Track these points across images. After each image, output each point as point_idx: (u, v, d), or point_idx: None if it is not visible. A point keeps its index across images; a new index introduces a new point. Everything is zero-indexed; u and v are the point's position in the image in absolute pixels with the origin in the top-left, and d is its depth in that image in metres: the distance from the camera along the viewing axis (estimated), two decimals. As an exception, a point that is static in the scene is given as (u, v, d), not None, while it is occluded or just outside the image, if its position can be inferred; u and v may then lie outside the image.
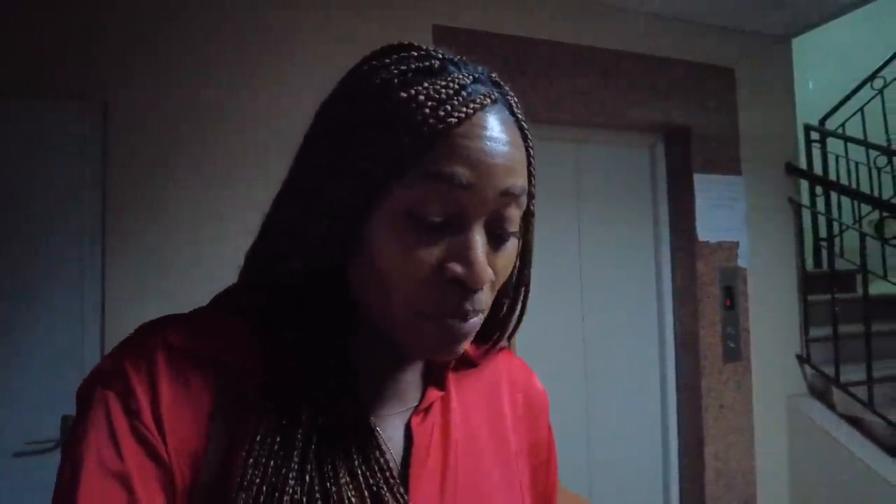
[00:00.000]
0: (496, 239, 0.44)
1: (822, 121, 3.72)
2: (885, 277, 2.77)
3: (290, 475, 0.40)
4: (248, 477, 0.40)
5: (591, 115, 2.32)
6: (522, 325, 0.55)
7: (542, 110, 2.24)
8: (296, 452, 0.41)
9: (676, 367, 2.53)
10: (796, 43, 2.73)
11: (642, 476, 2.49)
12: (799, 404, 2.49)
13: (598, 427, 2.40)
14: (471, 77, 0.44)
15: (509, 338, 0.57)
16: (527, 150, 0.47)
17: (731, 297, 2.51)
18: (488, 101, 0.43)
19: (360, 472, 0.43)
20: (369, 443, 0.45)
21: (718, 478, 2.39)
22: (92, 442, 0.39)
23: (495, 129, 0.43)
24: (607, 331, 2.46)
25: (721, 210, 2.54)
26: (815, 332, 2.60)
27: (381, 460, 0.45)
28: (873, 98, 3.50)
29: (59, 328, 1.65)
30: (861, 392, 2.34)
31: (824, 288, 2.68)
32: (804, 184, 2.87)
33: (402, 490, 0.45)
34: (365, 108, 0.43)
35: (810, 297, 2.64)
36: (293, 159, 0.48)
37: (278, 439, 0.41)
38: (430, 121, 0.40)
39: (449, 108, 0.41)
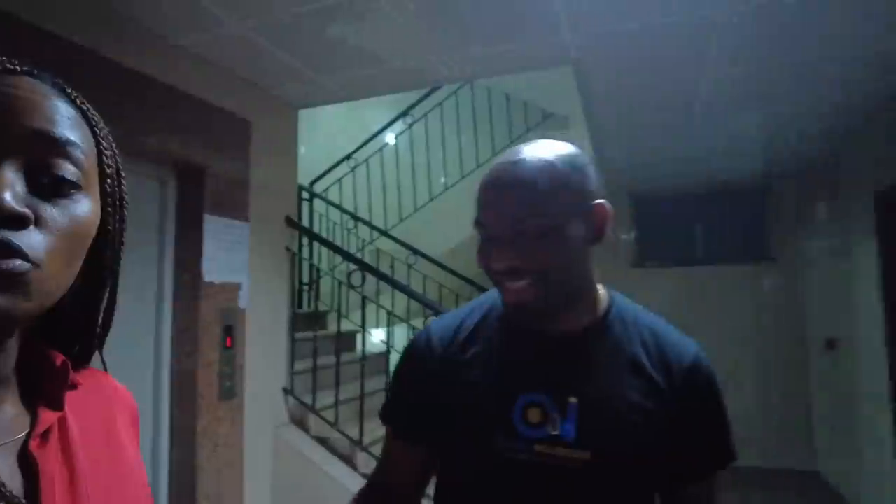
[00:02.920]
0: (46, 188, 0.44)
1: (312, 184, 4.38)
2: (346, 317, 3.42)
3: None
4: None
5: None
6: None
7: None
8: None
9: (171, 410, 2.45)
10: (302, 113, 3.16)
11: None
12: (283, 433, 2.77)
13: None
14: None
15: (98, 347, 0.58)
16: (88, 123, 0.51)
17: (231, 336, 2.62)
18: (11, 66, 0.46)
19: None
20: None
21: (207, 516, 2.40)
22: None
23: (23, 81, 0.46)
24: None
25: (227, 253, 2.65)
26: (297, 365, 2.97)
27: (8, 495, 0.42)
28: (349, 173, 4.35)
29: None
30: (330, 415, 2.79)
31: (303, 326, 3.15)
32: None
33: None
34: None
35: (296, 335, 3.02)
36: None
37: None
38: None
39: None
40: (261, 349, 2.76)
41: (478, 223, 0.84)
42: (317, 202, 4.26)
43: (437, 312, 2.82)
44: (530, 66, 2.87)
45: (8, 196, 0.40)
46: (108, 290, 0.56)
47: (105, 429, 0.56)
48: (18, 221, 0.40)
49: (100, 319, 0.56)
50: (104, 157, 0.52)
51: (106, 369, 0.62)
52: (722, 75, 2.84)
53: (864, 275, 3.57)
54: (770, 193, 5.19)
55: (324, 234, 4.05)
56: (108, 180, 0.52)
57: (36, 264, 0.41)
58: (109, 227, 0.52)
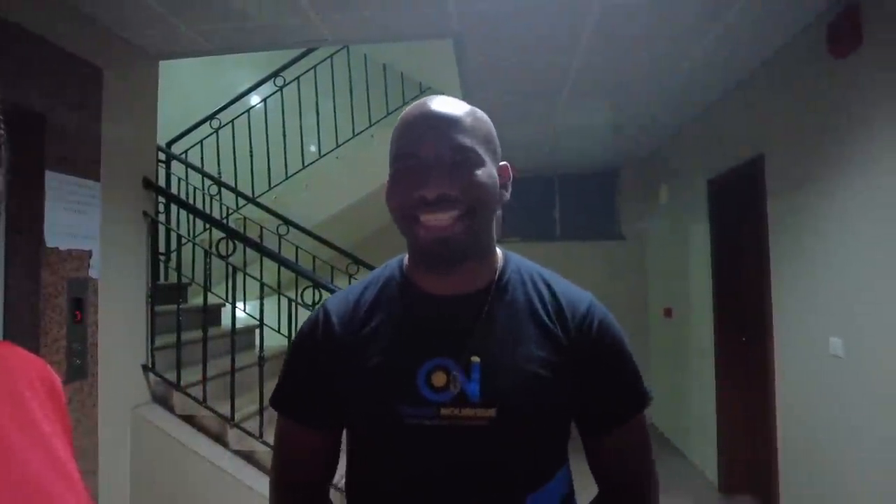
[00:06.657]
0: None
1: (169, 144, 4.01)
2: (210, 290, 3.20)
3: None
4: None
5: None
6: None
7: None
8: None
9: None
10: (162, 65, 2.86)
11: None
12: (143, 412, 2.55)
13: None
14: None
15: None
16: None
17: (81, 309, 2.34)
18: None
19: None
20: None
21: None
22: None
23: None
24: None
25: (75, 215, 2.35)
26: (158, 341, 2.73)
27: None
28: (211, 135, 4.03)
29: None
30: (197, 392, 2.62)
31: (162, 299, 2.92)
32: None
33: None
34: None
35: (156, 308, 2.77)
36: None
37: None
38: None
39: None
40: (116, 323, 2.50)
41: (404, 156, 0.81)
42: (174, 165, 3.91)
43: (315, 283, 2.75)
44: (413, 35, 2.85)
45: None
46: None
47: (9, 403, 0.50)
48: None
49: None
50: None
51: None
52: (588, 63, 3.03)
53: (698, 253, 4.06)
54: (620, 178, 5.69)
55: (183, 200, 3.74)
56: None
57: None
58: None
